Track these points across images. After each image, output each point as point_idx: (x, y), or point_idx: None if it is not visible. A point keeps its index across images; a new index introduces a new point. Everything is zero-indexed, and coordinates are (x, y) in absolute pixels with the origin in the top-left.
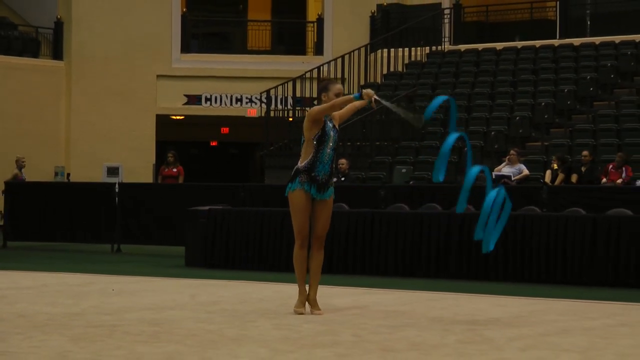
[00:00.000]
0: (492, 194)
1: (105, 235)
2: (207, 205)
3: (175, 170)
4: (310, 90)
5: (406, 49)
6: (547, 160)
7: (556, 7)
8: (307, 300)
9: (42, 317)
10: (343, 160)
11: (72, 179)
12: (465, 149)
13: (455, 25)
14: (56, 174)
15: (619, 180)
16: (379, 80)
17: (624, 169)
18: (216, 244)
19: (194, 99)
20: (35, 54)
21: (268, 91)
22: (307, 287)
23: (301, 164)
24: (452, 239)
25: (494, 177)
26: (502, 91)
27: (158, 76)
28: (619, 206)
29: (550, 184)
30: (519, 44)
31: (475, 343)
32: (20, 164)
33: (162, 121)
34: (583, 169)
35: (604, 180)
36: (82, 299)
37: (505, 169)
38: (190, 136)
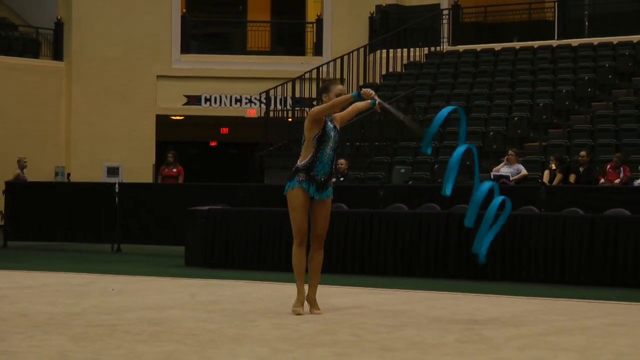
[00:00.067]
0: (486, 186)
1: (105, 235)
2: (207, 205)
3: (175, 170)
4: (309, 90)
5: (405, 50)
6: (545, 161)
7: (554, 8)
8: (307, 299)
9: (43, 317)
10: (342, 161)
11: (73, 179)
12: (468, 162)
13: (453, 26)
14: (56, 174)
15: (617, 181)
16: (377, 81)
17: (621, 169)
18: (216, 244)
19: (193, 100)
20: (35, 55)
21: (267, 92)
22: (306, 287)
23: (300, 163)
24: (451, 239)
25: (492, 177)
26: (500, 92)
27: (158, 77)
28: (617, 206)
29: (548, 184)
30: (517, 44)
31: (474, 342)
32: (22, 164)
33: (162, 121)
34: (581, 169)
35: (602, 180)
36: (82, 299)
37: (503, 169)
38: (190, 136)
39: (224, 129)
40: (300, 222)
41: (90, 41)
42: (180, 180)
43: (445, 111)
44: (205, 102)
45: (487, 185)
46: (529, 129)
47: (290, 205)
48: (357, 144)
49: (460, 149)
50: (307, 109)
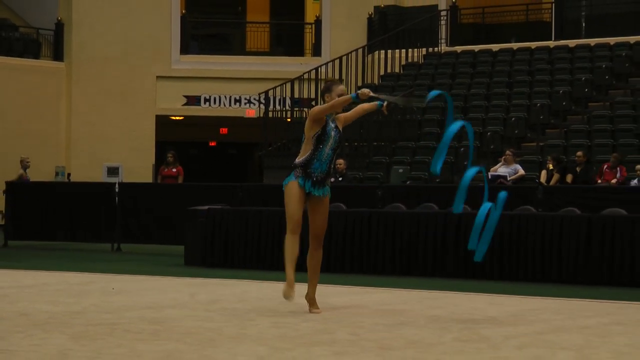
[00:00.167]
0: (486, 207)
1: (105, 235)
2: (206, 205)
3: (174, 170)
4: (308, 91)
5: (403, 51)
6: (542, 161)
7: (551, 9)
8: (307, 299)
9: (43, 316)
10: (340, 161)
11: (73, 179)
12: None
13: (451, 27)
14: (57, 174)
15: (614, 181)
16: (376, 81)
17: (618, 169)
18: (215, 243)
19: (193, 100)
20: (36, 55)
21: (266, 92)
22: (306, 286)
23: (299, 160)
24: (449, 238)
25: (489, 177)
26: (498, 92)
27: (158, 77)
28: (614, 206)
29: (545, 184)
30: (515, 45)
31: (472, 341)
32: (25, 164)
33: (162, 122)
34: (578, 169)
35: (599, 180)
36: (82, 298)
37: (501, 169)
38: (189, 136)
39: (223, 129)
40: (293, 210)
41: (91, 42)
42: (180, 180)
43: (433, 93)
44: (205, 103)
45: (473, 170)
46: (526, 129)
47: (285, 197)
48: (356, 144)
49: (455, 125)
50: (306, 109)
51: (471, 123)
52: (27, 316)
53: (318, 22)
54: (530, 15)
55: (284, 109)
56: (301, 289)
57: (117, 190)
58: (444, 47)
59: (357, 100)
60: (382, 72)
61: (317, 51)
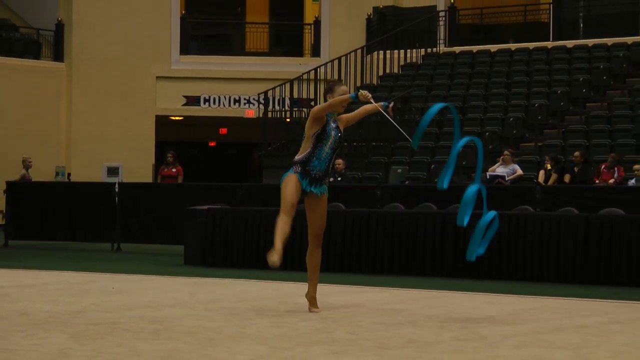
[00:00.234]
0: (490, 215)
1: (105, 235)
2: (206, 204)
3: (174, 170)
4: (307, 91)
5: (402, 51)
6: (540, 161)
7: (549, 9)
8: (307, 298)
9: (43, 315)
10: (339, 161)
11: (73, 179)
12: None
13: (450, 28)
14: (57, 173)
15: (611, 181)
16: (375, 82)
17: (616, 169)
18: (215, 243)
19: (192, 100)
20: (36, 56)
21: (266, 92)
22: (305, 286)
23: (298, 157)
24: (447, 238)
25: (488, 177)
26: (496, 92)
27: (157, 77)
28: (611, 206)
29: (543, 184)
30: (513, 46)
31: (470, 340)
32: (27, 164)
33: (162, 122)
34: (576, 169)
35: (597, 180)
36: (82, 297)
37: (499, 169)
38: (189, 137)
39: (222, 129)
40: (288, 194)
41: (91, 42)
42: (180, 180)
43: (434, 109)
44: (204, 103)
45: (473, 188)
46: (524, 129)
47: (282, 185)
48: (355, 144)
49: (462, 142)
50: (305, 109)
51: (469, 123)
52: (27, 315)
53: (317, 23)
54: (528, 16)
55: (283, 109)
56: (301, 288)
57: (117, 190)
58: (442, 48)
59: (356, 100)
60: (380, 73)
61: (316, 52)
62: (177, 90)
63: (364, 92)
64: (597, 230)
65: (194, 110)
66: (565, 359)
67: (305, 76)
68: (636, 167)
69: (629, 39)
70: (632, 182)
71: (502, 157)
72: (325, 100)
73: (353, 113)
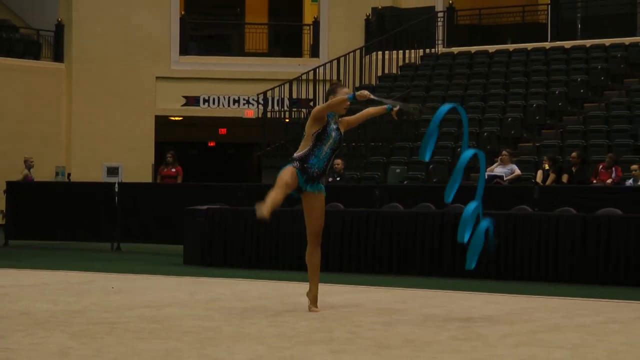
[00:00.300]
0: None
1: (105, 234)
2: (205, 204)
3: (174, 170)
4: (306, 91)
5: (400, 52)
6: (538, 161)
7: (547, 10)
8: (309, 297)
9: (44, 315)
10: (338, 161)
11: (73, 179)
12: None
13: (448, 28)
14: (57, 174)
15: (609, 181)
16: (373, 82)
17: (613, 169)
18: (214, 243)
19: (192, 100)
20: (36, 56)
21: (265, 93)
22: (305, 286)
23: (297, 154)
24: (446, 237)
25: (486, 177)
26: (494, 93)
27: (157, 78)
28: (609, 206)
29: (541, 184)
30: (511, 46)
31: (469, 340)
32: (29, 164)
33: (161, 122)
34: (574, 169)
35: (594, 180)
36: (82, 297)
37: (497, 169)
38: (188, 137)
39: (222, 129)
40: (284, 176)
41: (90, 43)
42: (179, 180)
43: (443, 110)
44: (204, 103)
45: (473, 205)
46: (522, 129)
47: (279, 174)
48: (354, 144)
49: (467, 154)
50: (304, 109)
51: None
52: (27, 315)
53: (316, 24)
54: (526, 17)
55: (283, 109)
56: (300, 288)
57: (116, 190)
58: (440, 49)
59: (354, 100)
60: (379, 73)
61: (315, 52)
62: (177, 90)
63: (362, 93)
64: (594, 230)
65: (193, 111)
66: (563, 359)
67: (304, 76)
68: (634, 167)
69: (627, 40)
70: (629, 182)
71: (500, 157)
72: (327, 101)
73: (355, 116)
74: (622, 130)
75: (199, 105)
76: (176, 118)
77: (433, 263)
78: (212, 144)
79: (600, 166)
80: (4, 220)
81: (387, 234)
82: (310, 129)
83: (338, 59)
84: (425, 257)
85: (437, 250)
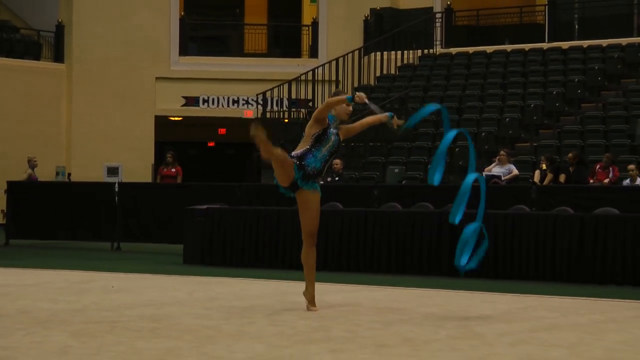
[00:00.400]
0: (472, 226)
1: (105, 234)
2: (205, 204)
3: (173, 170)
4: (305, 92)
5: (399, 52)
6: (536, 161)
7: (545, 11)
8: (306, 296)
9: (44, 314)
10: (337, 161)
11: (73, 178)
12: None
13: (446, 29)
14: (57, 173)
15: (606, 180)
16: (372, 83)
17: (610, 169)
18: (214, 242)
19: (192, 101)
20: (36, 57)
21: (264, 93)
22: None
23: (295, 152)
24: (444, 237)
25: (484, 176)
26: (492, 93)
27: (157, 78)
28: (606, 205)
29: (539, 183)
30: (509, 47)
31: (467, 338)
32: (32, 164)
33: (161, 122)
34: (571, 169)
35: (592, 180)
36: (83, 296)
37: (495, 169)
38: (188, 137)
39: (221, 129)
40: (284, 154)
41: (91, 43)
42: (179, 180)
43: (426, 110)
44: (203, 103)
45: (471, 176)
46: (520, 129)
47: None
48: (352, 144)
49: (451, 134)
50: (303, 110)
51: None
52: (28, 314)
53: (315, 24)
54: (524, 18)
55: (282, 109)
56: (299, 287)
57: (117, 190)
58: (439, 49)
59: (352, 102)
60: (377, 74)
61: (314, 53)
62: (177, 90)
63: (360, 94)
64: (592, 229)
65: (193, 111)
66: (560, 357)
67: (303, 77)
68: (630, 167)
69: (624, 40)
70: (626, 182)
71: (498, 157)
72: (330, 111)
73: (355, 124)
74: (619, 130)
75: (198, 106)
76: (176, 118)
77: (431, 262)
78: (211, 144)
79: (598, 166)
80: (4, 219)
81: (386, 234)
82: (310, 130)
83: (337, 60)
84: (423, 256)
85: (435, 250)
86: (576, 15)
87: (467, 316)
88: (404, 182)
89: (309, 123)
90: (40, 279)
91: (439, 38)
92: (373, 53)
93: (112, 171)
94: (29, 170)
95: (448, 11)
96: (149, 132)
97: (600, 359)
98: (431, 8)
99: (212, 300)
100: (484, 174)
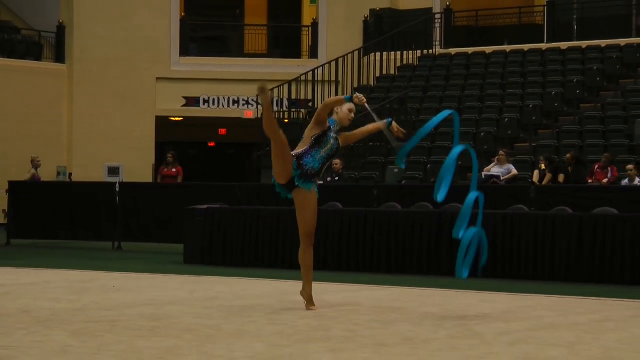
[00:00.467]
0: (471, 233)
1: (106, 233)
2: (205, 204)
3: (174, 170)
4: (305, 92)
5: (398, 53)
6: (535, 161)
7: (544, 12)
8: (304, 296)
9: (45, 313)
10: (337, 161)
11: (74, 178)
12: (460, 162)
13: (446, 30)
14: (58, 173)
15: (605, 180)
16: (371, 83)
17: (609, 169)
18: (214, 242)
19: (192, 101)
20: (38, 57)
21: None
22: (301, 283)
23: (294, 152)
24: (443, 237)
25: (483, 177)
26: (491, 94)
27: (157, 79)
28: (605, 205)
29: (538, 183)
30: (508, 47)
31: (466, 338)
32: (36, 164)
33: (162, 122)
34: (570, 169)
35: (590, 180)
36: (83, 295)
37: (494, 169)
38: (188, 137)
39: (222, 129)
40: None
41: (92, 44)
42: (180, 179)
43: (439, 117)
44: (204, 104)
45: (473, 195)
46: (519, 129)
47: None
48: (352, 144)
49: (456, 150)
50: (303, 110)
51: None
52: (29, 313)
53: (315, 25)
54: (523, 18)
55: (282, 110)
56: (299, 286)
57: (117, 189)
58: (438, 50)
59: (351, 101)
60: (377, 74)
61: (314, 53)
62: (177, 91)
63: (359, 95)
64: (590, 229)
65: (193, 111)
66: (558, 356)
67: (303, 77)
68: (629, 167)
69: (622, 41)
70: (625, 182)
71: (497, 157)
72: (335, 113)
73: (355, 131)
74: (618, 130)
75: (199, 106)
76: (176, 118)
77: (430, 262)
78: (212, 144)
79: (596, 166)
80: (6, 219)
81: (385, 234)
82: (310, 132)
83: (337, 60)
84: (422, 256)
85: (435, 250)
86: (575, 16)
87: (466, 315)
88: (403, 182)
89: (309, 125)
90: (41, 278)
91: (438, 39)
92: (373, 53)
93: (113, 171)
94: (33, 170)
95: (447, 12)
96: (149, 132)
97: (599, 358)
98: (430, 9)
99: (212, 300)
100: (483, 174)
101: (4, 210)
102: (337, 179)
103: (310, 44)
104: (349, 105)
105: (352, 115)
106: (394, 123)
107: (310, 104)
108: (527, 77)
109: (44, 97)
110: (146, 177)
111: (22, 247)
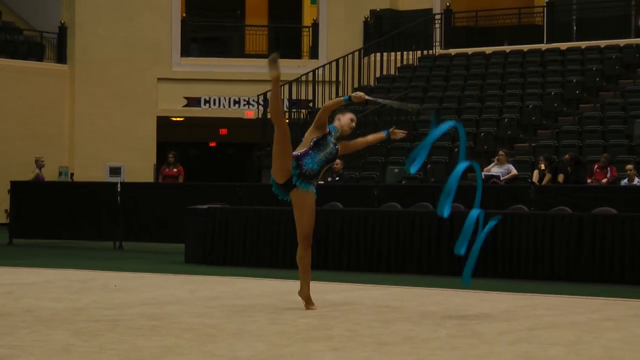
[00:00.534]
0: (476, 213)
1: (107, 233)
2: (206, 204)
3: (175, 170)
4: (305, 92)
5: (398, 53)
6: (534, 161)
7: (543, 12)
8: (302, 297)
9: (47, 312)
10: (337, 161)
11: (76, 178)
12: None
13: (445, 30)
14: (60, 173)
15: (604, 180)
16: (372, 84)
17: (608, 169)
18: (215, 242)
19: (193, 101)
20: (39, 58)
21: (265, 93)
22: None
23: (293, 152)
24: (443, 236)
25: (483, 177)
26: (491, 94)
27: (159, 79)
28: (604, 205)
29: (537, 183)
30: (508, 48)
31: (466, 337)
32: (40, 164)
33: (163, 123)
34: (569, 169)
35: (589, 180)
36: (85, 295)
37: (494, 169)
38: (190, 137)
39: (222, 129)
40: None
41: (93, 45)
42: (181, 179)
43: (443, 127)
44: (205, 104)
45: (475, 212)
46: (518, 130)
47: None
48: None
49: (461, 166)
50: (303, 110)
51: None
52: (31, 312)
53: (315, 26)
54: (523, 19)
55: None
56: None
57: (119, 189)
58: (438, 50)
59: (350, 102)
60: (377, 75)
61: (314, 54)
62: (178, 91)
63: (358, 94)
64: (590, 229)
65: (194, 111)
66: (558, 356)
67: (303, 78)
68: (628, 167)
69: (621, 41)
70: (624, 181)
71: (496, 157)
72: (338, 119)
73: (355, 140)
74: (617, 130)
75: (200, 106)
76: (177, 119)
77: (431, 261)
78: (213, 144)
79: (596, 166)
80: (8, 219)
81: (386, 233)
82: (310, 135)
83: (337, 61)
84: (422, 255)
85: (435, 249)
86: (574, 17)
87: (467, 315)
88: (403, 182)
89: (310, 129)
90: (43, 277)
91: (438, 39)
92: (373, 54)
93: (115, 171)
94: (37, 170)
95: (447, 12)
96: (150, 133)
97: (599, 358)
98: (430, 9)
99: (213, 299)
100: (482, 174)
101: (6, 210)
102: (337, 179)
103: (310, 44)
104: (350, 115)
105: (354, 124)
106: (392, 129)
107: (311, 105)
108: (526, 78)
109: (45, 98)
110: (147, 177)
111: (24, 246)
